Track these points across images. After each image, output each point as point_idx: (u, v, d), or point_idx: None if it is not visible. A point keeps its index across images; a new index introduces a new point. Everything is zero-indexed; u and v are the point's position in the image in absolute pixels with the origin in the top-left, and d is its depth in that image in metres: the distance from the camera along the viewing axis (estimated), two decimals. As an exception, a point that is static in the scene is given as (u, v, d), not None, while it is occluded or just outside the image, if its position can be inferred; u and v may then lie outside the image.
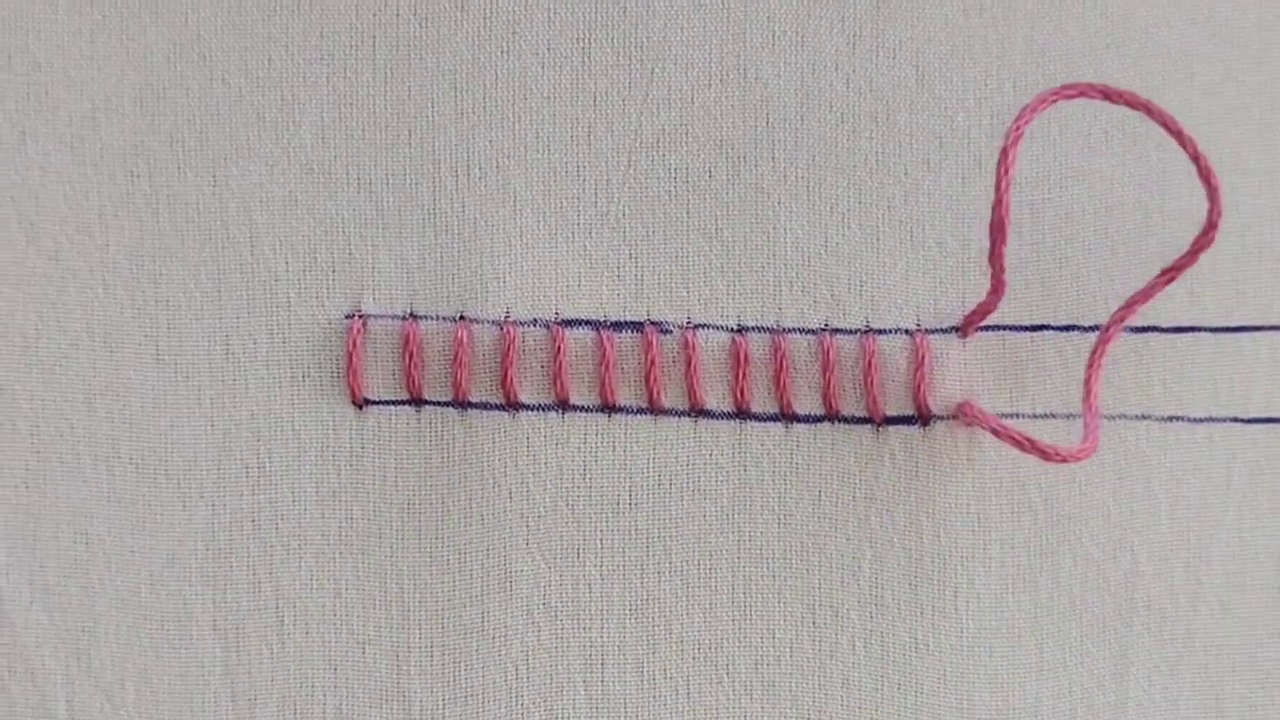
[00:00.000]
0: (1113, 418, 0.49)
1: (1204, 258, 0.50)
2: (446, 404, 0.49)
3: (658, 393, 0.49)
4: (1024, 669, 0.49)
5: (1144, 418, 0.49)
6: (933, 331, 0.49)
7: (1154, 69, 0.50)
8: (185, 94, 0.50)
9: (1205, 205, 0.49)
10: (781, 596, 0.49)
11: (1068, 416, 0.49)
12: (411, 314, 0.49)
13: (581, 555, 0.49)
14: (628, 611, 0.49)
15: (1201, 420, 0.50)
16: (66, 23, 0.50)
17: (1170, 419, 0.49)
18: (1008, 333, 0.50)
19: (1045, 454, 0.45)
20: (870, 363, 0.49)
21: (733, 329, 0.49)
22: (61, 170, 0.50)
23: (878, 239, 0.50)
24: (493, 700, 0.49)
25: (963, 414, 0.48)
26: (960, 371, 0.49)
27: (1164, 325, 0.50)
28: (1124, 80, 0.50)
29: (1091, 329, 0.49)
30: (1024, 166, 0.50)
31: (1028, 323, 0.50)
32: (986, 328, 0.49)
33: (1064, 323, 0.50)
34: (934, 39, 0.50)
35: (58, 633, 0.49)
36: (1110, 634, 0.49)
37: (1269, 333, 0.50)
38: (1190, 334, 0.50)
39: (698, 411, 0.49)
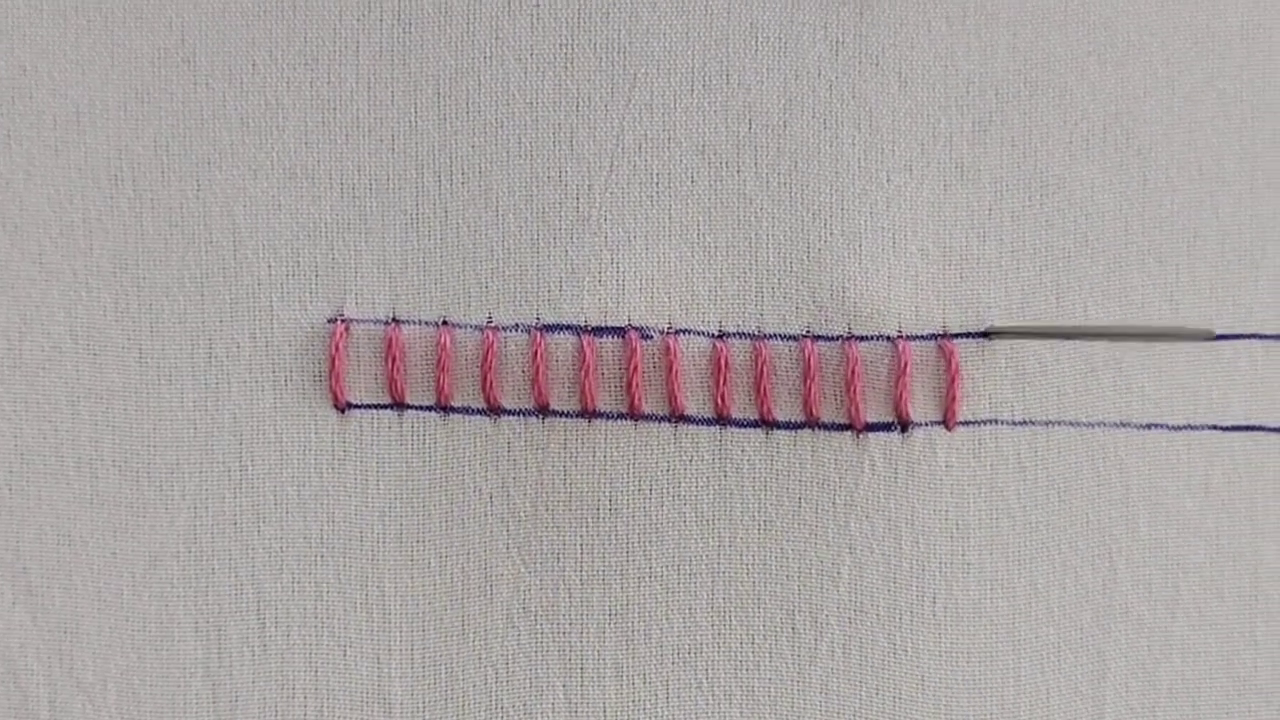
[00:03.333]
0: (1092, 425, 0.49)
1: (1184, 265, 0.50)
2: (428, 408, 0.49)
3: (638, 398, 0.49)
4: (1002, 675, 0.49)
5: (1123, 425, 0.50)
6: (913, 338, 0.50)
7: (1136, 76, 0.50)
8: (169, 98, 0.50)
9: (1187, 214, 0.49)
10: (761, 602, 0.49)
11: (1046, 424, 0.49)
12: (394, 318, 0.49)
13: (561, 560, 0.49)
14: (607, 616, 0.49)
15: (1180, 428, 0.50)
16: (51, 27, 0.50)
17: (1148, 426, 0.50)
18: (987, 340, 0.50)
19: None
20: (852, 370, 0.49)
21: (714, 335, 0.50)
22: (46, 173, 0.50)
23: (860, 245, 0.50)
24: (472, 703, 0.49)
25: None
26: (941, 379, 0.49)
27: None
28: (1106, 88, 0.50)
29: (1071, 335, 0.49)
30: (1005, 173, 0.50)
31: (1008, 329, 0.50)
32: (967, 335, 0.50)
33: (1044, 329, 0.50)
34: (917, 45, 0.50)
35: (40, 634, 0.49)
36: (1088, 640, 0.50)
37: (1247, 340, 0.50)
38: (1169, 341, 0.50)
39: (678, 417, 0.49)
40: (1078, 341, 0.49)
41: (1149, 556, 0.50)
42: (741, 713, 0.49)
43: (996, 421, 0.49)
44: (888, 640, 0.49)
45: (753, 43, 0.50)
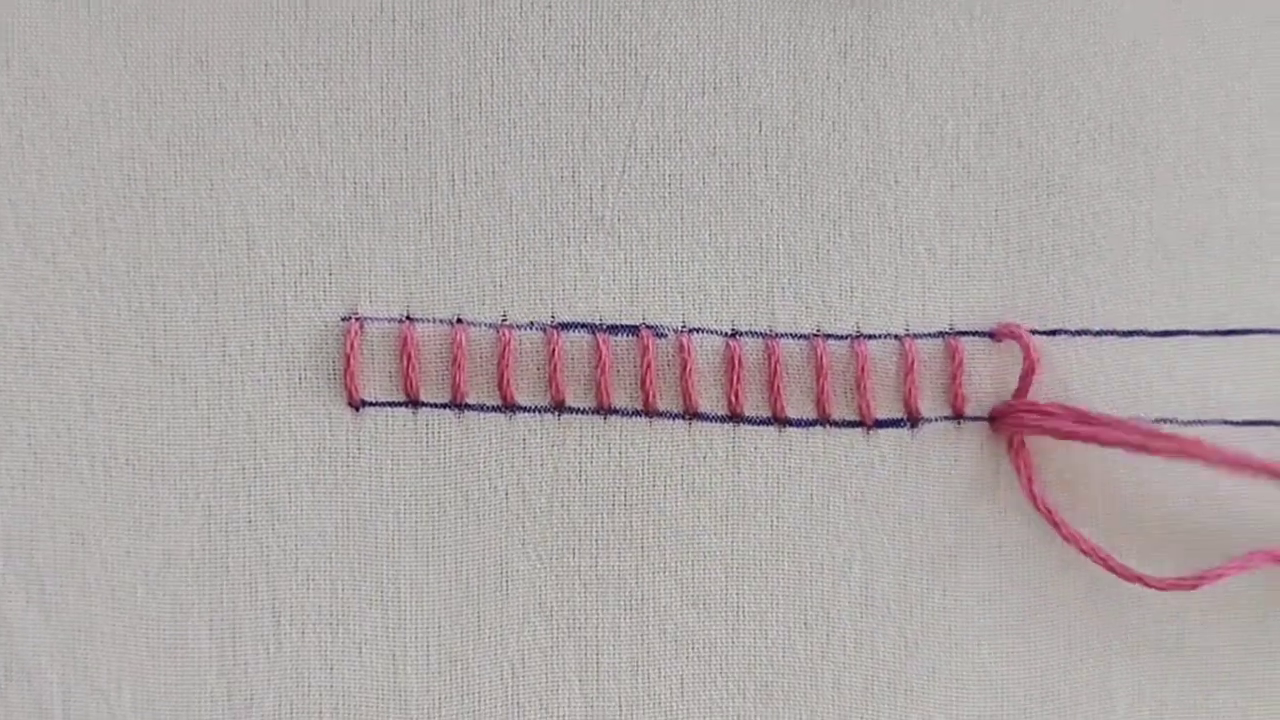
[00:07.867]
0: (1104, 420, 0.50)
1: (1193, 262, 0.51)
2: (443, 405, 0.50)
3: (653, 395, 0.49)
4: (1012, 668, 0.50)
5: (1133, 420, 0.50)
6: (921, 336, 0.50)
7: (1142, 76, 0.51)
8: (182, 98, 0.50)
9: (1194, 211, 0.49)
10: (774, 597, 0.50)
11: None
12: (408, 316, 0.50)
13: (577, 555, 0.49)
14: (622, 611, 0.49)
15: (1190, 423, 0.50)
16: (64, 27, 0.50)
17: (1159, 421, 0.50)
18: (993, 339, 0.50)
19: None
20: (862, 368, 0.50)
21: (727, 333, 0.50)
22: (59, 173, 0.50)
23: (868, 246, 0.50)
24: (489, 699, 0.49)
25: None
26: (948, 376, 0.50)
27: (1152, 329, 0.50)
28: (1112, 88, 0.51)
29: (1078, 334, 0.50)
30: (1012, 174, 0.50)
31: (1015, 328, 0.50)
32: (974, 333, 0.50)
33: (1050, 328, 0.50)
34: (924, 48, 0.51)
35: (54, 634, 0.49)
36: (1099, 635, 0.50)
37: (1257, 335, 0.50)
38: (1179, 337, 0.50)
39: (692, 414, 0.50)
40: (1086, 338, 0.49)
41: (1161, 550, 0.50)
42: (755, 707, 0.50)
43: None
44: (898, 633, 0.50)
45: (762, 46, 0.50)
